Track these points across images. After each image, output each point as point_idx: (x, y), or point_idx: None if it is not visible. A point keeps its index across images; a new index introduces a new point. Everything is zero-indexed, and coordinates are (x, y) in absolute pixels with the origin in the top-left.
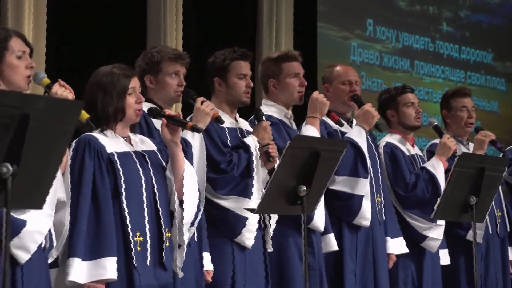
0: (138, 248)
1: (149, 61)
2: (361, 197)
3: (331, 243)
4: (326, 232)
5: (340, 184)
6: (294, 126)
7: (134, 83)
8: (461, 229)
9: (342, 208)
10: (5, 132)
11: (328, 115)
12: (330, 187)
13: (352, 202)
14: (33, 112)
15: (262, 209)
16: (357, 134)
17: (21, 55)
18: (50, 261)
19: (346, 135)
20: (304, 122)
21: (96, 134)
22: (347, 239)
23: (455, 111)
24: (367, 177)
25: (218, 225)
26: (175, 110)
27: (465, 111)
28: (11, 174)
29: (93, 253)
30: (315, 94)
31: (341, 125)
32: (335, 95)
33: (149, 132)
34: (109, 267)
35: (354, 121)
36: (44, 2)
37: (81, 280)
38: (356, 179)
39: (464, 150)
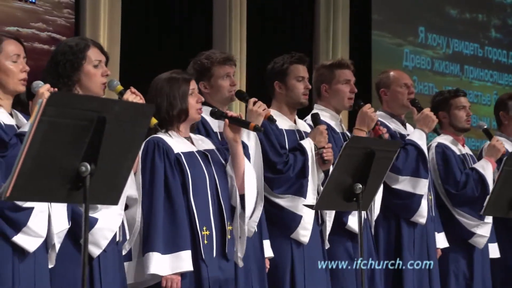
0: (205, 242)
1: (200, 68)
2: (421, 197)
3: None
4: None
5: (403, 183)
6: (345, 130)
7: (193, 85)
8: None
9: (402, 206)
10: (84, 134)
11: (373, 129)
12: (393, 186)
13: (412, 201)
14: (109, 115)
15: (320, 206)
16: (419, 137)
17: (97, 63)
18: (123, 253)
19: (408, 137)
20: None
21: (162, 136)
22: (405, 235)
23: None
24: (427, 178)
25: (275, 222)
26: (239, 110)
27: None
28: (89, 173)
29: (171, 247)
30: (366, 107)
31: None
32: (394, 98)
33: (207, 135)
34: (186, 260)
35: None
36: (118, 14)
37: (163, 273)
38: (418, 179)
39: None
